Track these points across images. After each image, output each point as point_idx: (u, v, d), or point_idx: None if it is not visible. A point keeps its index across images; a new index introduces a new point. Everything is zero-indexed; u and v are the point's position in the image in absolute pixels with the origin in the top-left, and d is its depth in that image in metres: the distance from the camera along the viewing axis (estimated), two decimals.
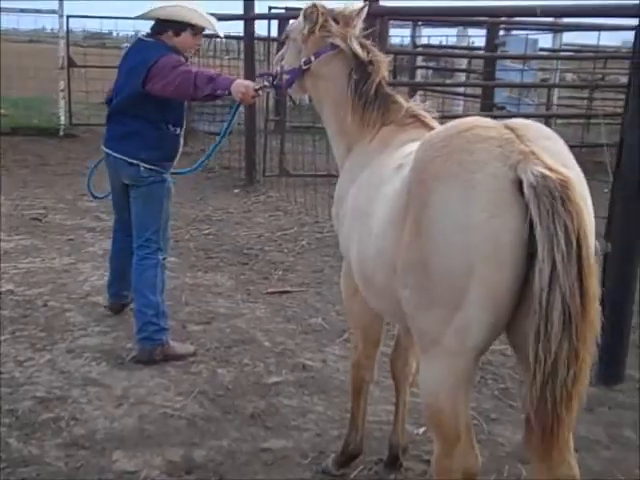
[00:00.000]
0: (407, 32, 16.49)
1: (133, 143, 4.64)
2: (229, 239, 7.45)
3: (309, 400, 4.26)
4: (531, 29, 13.77)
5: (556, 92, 14.24)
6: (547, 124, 12.56)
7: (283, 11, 11.85)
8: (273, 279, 6.31)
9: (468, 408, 2.57)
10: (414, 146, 2.70)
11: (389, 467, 3.67)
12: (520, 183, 2.22)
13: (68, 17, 13.70)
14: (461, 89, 14.82)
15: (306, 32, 3.50)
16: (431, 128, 3.15)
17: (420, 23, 15.64)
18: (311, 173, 9.63)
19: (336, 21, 3.46)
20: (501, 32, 13.47)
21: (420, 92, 15.08)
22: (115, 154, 4.71)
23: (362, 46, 3.42)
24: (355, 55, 3.38)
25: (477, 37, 15.57)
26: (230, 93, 4.24)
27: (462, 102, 15.08)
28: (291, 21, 3.77)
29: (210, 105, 11.79)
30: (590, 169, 3.44)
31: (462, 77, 15.31)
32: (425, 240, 2.34)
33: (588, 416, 4.04)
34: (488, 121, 2.47)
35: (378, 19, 6.97)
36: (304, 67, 3.53)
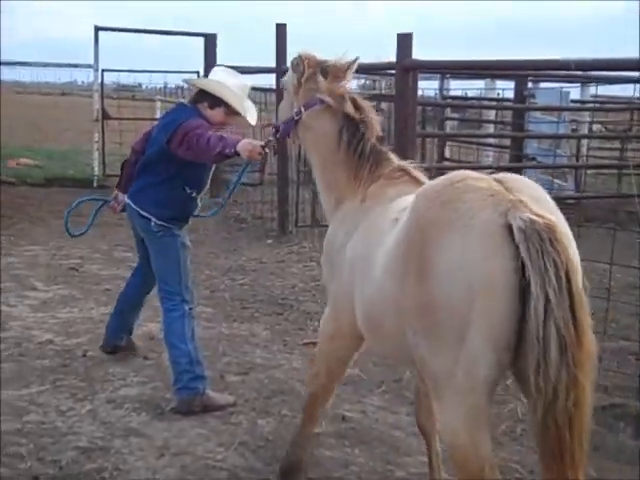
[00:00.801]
0: (435, 84, 16.63)
1: (147, 197, 4.79)
2: (264, 289, 7.48)
3: (350, 452, 4.25)
4: (559, 81, 13.84)
5: (585, 143, 14.24)
6: (578, 174, 12.61)
7: None
8: (309, 330, 6.31)
9: (489, 447, 2.61)
10: (408, 199, 2.91)
11: None
12: (510, 228, 2.39)
13: (103, 71, 14.02)
14: (491, 140, 14.90)
15: (296, 82, 3.58)
16: (419, 182, 3.33)
17: (448, 75, 15.79)
18: None
19: (326, 73, 3.53)
20: (529, 84, 13.56)
21: (449, 143, 15.23)
22: (132, 204, 4.85)
23: (353, 102, 3.49)
24: (346, 114, 3.45)
25: (505, 89, 15.69)
26: (238, 152, 4.27)
27: (492, 153, 15.14)
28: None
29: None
30: (624, 219, 3.49)
31: (490, 128, 15.37)
32: (428, 282, 2.51)
33: (632, 470, 3.99)
34: (478, 174, 2.70)
35: (410, 72, 7.11)
36: (295, 117, 3.61)
